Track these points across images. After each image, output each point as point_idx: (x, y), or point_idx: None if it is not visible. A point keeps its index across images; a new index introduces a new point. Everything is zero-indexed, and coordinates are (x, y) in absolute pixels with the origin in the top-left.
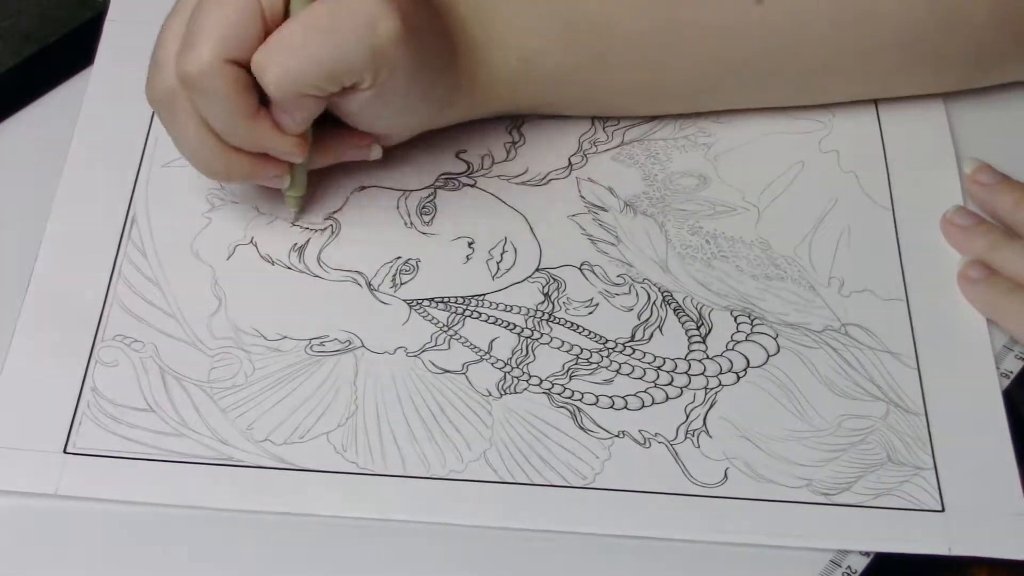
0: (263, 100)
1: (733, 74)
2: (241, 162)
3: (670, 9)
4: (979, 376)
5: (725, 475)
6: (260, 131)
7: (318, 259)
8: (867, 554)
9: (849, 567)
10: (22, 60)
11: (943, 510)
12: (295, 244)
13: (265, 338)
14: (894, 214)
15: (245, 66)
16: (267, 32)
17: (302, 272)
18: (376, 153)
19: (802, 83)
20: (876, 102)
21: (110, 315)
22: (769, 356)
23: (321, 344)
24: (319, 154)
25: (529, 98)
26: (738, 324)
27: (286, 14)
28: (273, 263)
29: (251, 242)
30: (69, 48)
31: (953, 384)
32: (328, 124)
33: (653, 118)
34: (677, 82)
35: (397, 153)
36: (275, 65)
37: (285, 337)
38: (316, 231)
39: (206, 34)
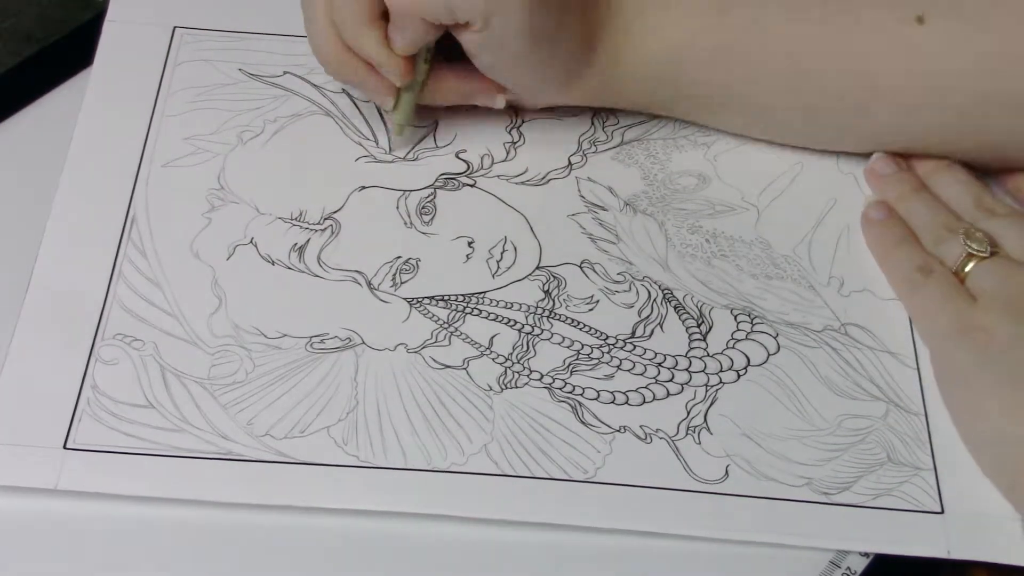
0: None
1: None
2: (351, 64)
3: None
4: None
5: (726, 472)
6: (370, 39)
7: (318, 259)
8: (866, 555)
9: (849, 568)
10: (22, 60)
11: (942, 512)
12: (295, 244)
13: (265, 336)
14: None
15: None
16: None
17: (302, 272)
18: (500, 102)
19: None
20: None
21: (110, 314)
22: (769, 355)
23: (321, 341)
24: (442, 89)
25: (672, 98)
26: (738, 323)
27: None
28: (273, 263)
29: (251, 242)
30: (69, 48)
31: None
32: (456, 65)
33: (653, 117)
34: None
35: (397, 153)
36: None
37: (285, 335)
38: (316, 231)
39: None
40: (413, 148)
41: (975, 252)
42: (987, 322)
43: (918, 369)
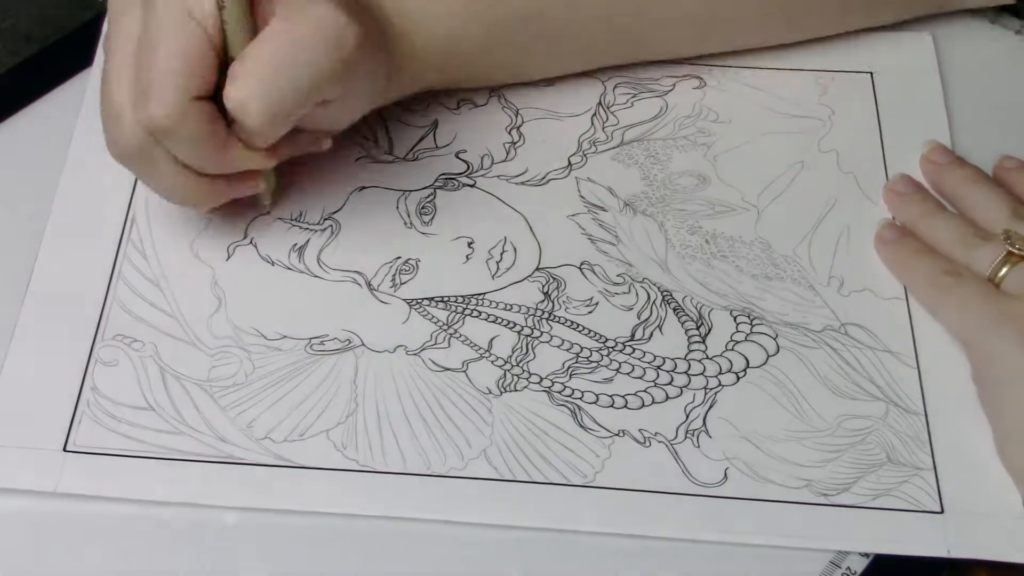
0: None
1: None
2: (220, 187)
3: None
4: None
5: (725, 475)
6: (234, 155)
7: (318, 259)
8: (867, 555)
9: (849, 568)
10: (22, 60)
11: (942, 512)
12: (295, 244)
13: (265, 337)
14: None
15: (207, 97)
16: (222, 60)
17: (302, 272)
18: (327, 144)
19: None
20: (877, 104)
21: (110, 315)
22: (769, 356)
23: (321, 343)
24: (275, 154)
25: (457, 74)
26: (738, 324)
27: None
28: (273, 263)
29: (251, 242)
30: (69, 48)
31: (953, 384)
32: None
33: (653, 117)
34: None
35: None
36: (256, 100)
37: (285, 336)
38: (316, 231)
39: (166, 76)
40: (412, 148)
41: (1017, 251)
42: None
43: (918, 368)
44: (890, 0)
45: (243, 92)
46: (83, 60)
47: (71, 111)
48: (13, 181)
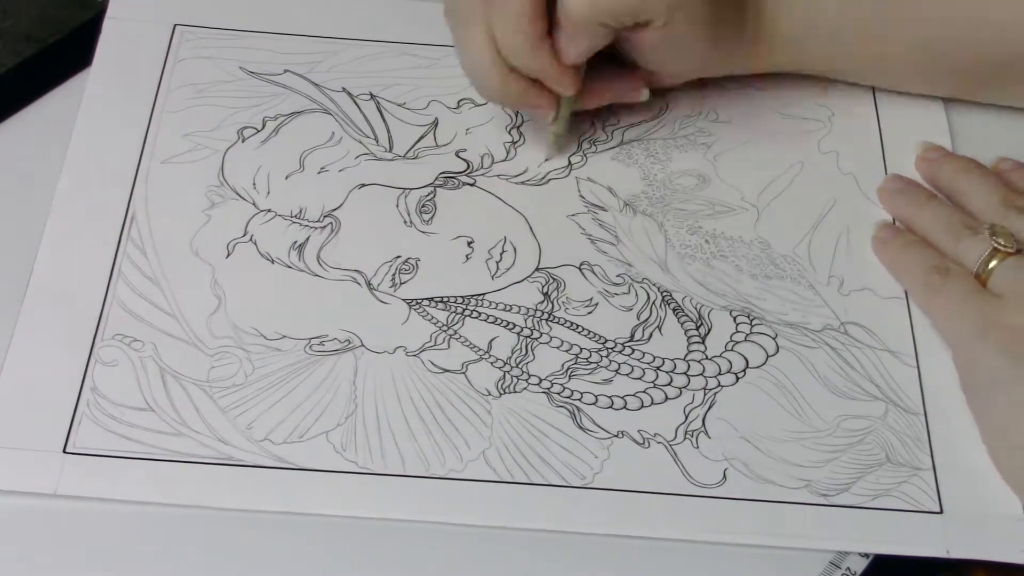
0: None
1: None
2: (517, 84)
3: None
4: None
5: (724, 476)
6: (541, 56)
7: (317, 257)
8: (866, 555)
9: (848, 568)
10: (22, 60)
11: (941, 512)
12: (295, 242)
13: (265, 337)
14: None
15: None
16: None
17: (302, 271)
18: (644, 95)
19: None
20: (876, 103)
21: (110, 314)
22: (768, 356)
23: (321, 344)
24: (588, 95)
25: (814, 59)
26: (737, 324)
27: None
28: (273, 261)
29: (251, 240)
30: (69, 48)
31: (953, 384)
32: (598, 66)
33: (654, 117)
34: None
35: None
36: None
37: (285, 336)
38: (316, 229)
39: None
40: (412, 146)
41: (1001, 247)
42: (1017, 320)
43: (918, 368)
44: None
45: None
46: (83, 60)
47: (71, 111)
48: (13, 181)
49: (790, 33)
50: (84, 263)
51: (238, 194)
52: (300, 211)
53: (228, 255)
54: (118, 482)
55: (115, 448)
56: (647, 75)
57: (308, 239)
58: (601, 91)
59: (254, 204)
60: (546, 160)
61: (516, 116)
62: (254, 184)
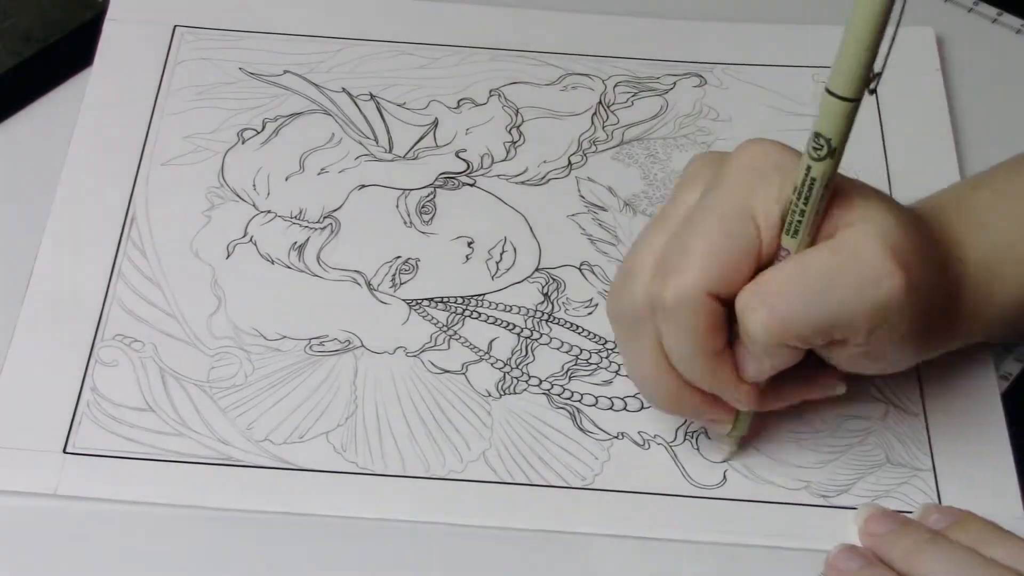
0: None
1: None
2: (691, 399)
3: None
4: (978, 378)
5: (724, 477)
6: (721, 373)
7: (318, 258)
8: None
9: None
10: (22, 60)
11: None
12: (295, 243)
13: (265, 338)
14: None
15: (722, 302)
16: (757, 270)
17: (302, 271)
18: (841, 389)
19: None
20: (878, 101)
21: (110, 315)
22: None
23: (321, 344)
24: (775, 399)
25: None
26: None
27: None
28: (273, 262)
29: (251, 240)
30: (69, 48)
31: (952, 386)
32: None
33: (653, 116)
34: None
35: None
36: (766, 308)
37: (285, 337)
38: (316, 230)
39: (695, 261)
40: (412, 147)
41: None
42: None
43: (917, 370)
44: None
45: (754, 297)
46: (83, 60)
47: (71, 112)
48: (13, 181)
49: (1007, 317)
50: (84, 264)
51: (238, 195)
52: (300, 212)
53: (228, 256)
54: (118, 482)
55: (115, 448)
56: (842, 375)
57: (308, 240)
58: (790, 393)
59: (254, 205)
60: (722, 461)
61: (516, 115)
62: (254, 185)
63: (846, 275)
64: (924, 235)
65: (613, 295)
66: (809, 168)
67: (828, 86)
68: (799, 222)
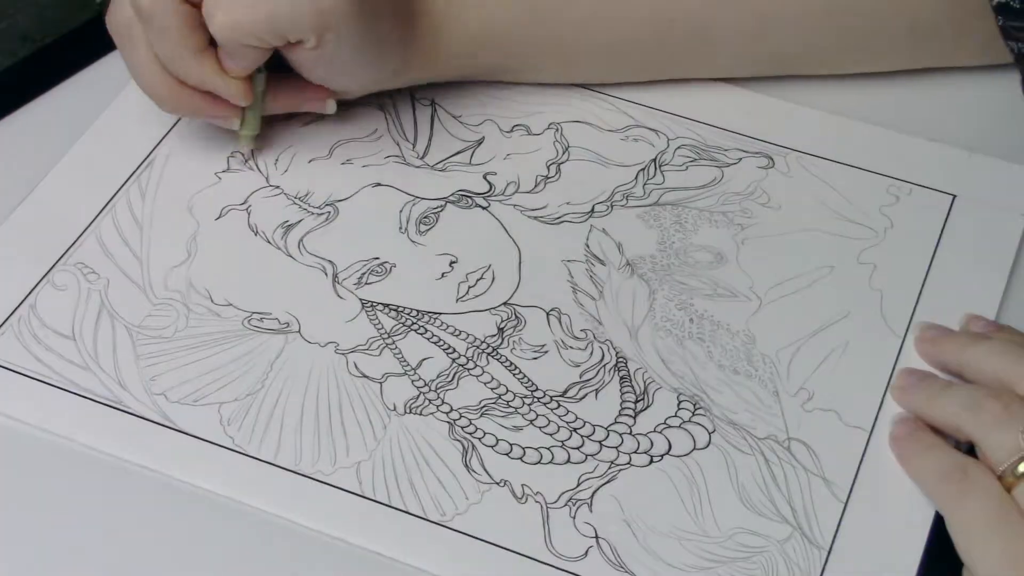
0: (213, 42)
1: (684, 38)
2: (190, 97)
3: None
4: (906, 534)
5: (586, 553)
6: (205, 70)
7: (300, 241)
8: None
9: None
10: (19, 61)
11: None
12: (286, 221)
13: (212, 300)
14: (903, 345)
15: (197, 5)
16: None
17: (278, 250)
18: (331, 107)
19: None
20: (943, 230)
21: (83, 244)
22: (694, 448)
23: (260, 320)
24: (275, 100)
25: (488, 65)
26: (680, 408)
27: None
28: (256, 233)
29: (246, 209)
30: (66, 48)
31: (875, 531)
32: (288, 72)
33: (701, 185)
34: (631, 40)
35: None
36: (221, 12)
37: (230, 304)
38: (312, 214)
39: None
40: (445, 159)
41: None
42: None
43: (846, 504)
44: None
45: (213, 2)
46: (81, 60)
47: (70, 110)
48: (12, 181)
49: (464, 49)
50: (84, 193)
51: (256, 166)
52: (305, 194)
53: (218, 218)
54: (9, 397)
55: (23, 365)
56: (329, 90)
57: (300, 222)
58: (286, 100)
59: (267, 179)
60: (240, 154)
61: (564, 152)
62: (276, 161)
63: None
64: None
65: (109, 12)
66: None
67: None
68: None
